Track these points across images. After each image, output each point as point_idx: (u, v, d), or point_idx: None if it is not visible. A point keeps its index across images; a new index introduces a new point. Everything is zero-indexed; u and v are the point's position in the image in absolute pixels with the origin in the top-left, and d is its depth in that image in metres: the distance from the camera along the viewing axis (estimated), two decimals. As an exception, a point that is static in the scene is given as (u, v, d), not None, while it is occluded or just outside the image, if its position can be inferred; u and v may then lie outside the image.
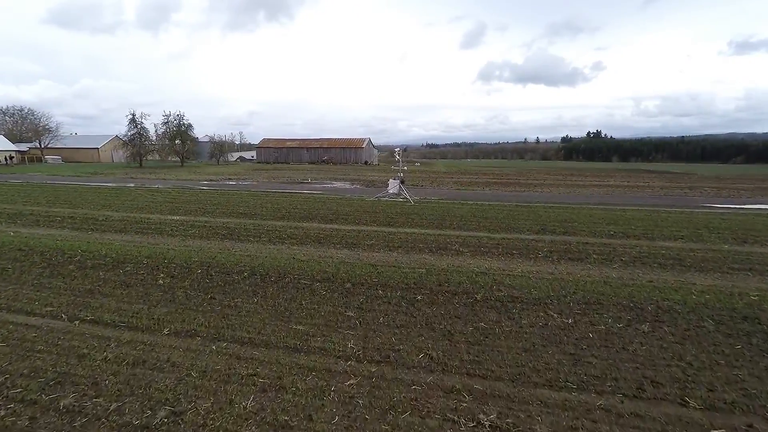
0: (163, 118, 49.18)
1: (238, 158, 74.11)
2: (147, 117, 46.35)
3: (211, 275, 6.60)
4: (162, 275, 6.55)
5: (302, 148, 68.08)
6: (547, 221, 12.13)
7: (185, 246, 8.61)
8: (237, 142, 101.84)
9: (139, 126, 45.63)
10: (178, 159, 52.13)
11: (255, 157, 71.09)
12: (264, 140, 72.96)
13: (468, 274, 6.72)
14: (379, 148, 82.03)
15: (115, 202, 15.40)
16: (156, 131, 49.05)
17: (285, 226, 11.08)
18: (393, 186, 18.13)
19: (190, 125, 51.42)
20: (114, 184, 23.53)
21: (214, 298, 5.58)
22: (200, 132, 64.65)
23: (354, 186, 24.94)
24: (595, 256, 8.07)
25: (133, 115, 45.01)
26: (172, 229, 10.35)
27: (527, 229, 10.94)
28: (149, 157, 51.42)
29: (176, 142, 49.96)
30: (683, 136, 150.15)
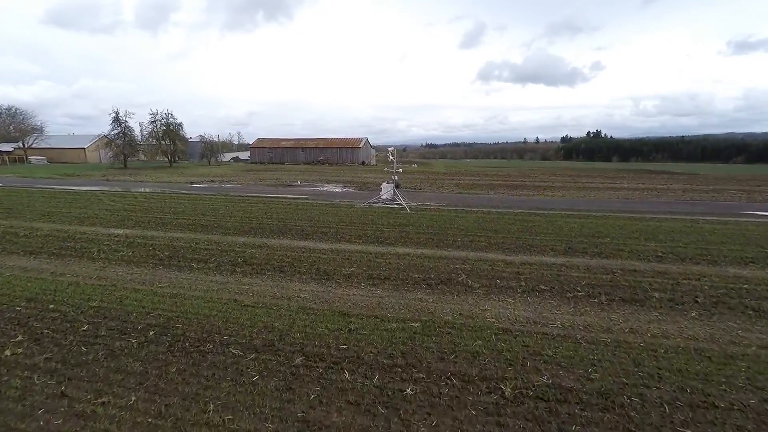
0: (150, 117, 46.98)
1: (231, 159, 71.69)
2: (132, 116, 44.17)
3: (98, 336, 4.36)
4: (19, 337, 4.31)
5: (297, 148, 65.70)
6: (572, 235, 9.90)
7: (98, 279, 6.35)
8: (235, 143, 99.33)
9: (123, 125, 43.33)
10: (167, 159, 49.80)
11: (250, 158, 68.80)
12: (258, 140, 70.51)
13: (484, 334, 4.48)
14: (379, 149, 79.62)
15: (62, 210, 13.15)
16: (142, 131, 46.78)
17: (247, 244, 8.84)
18: (386, 191, 15.84)
19: (179, 125, 49.24)
20: (81, 188, 21.23)
21: (67, 396, 3.34)
22: (199, 132, 62.54)
23: (345, 189, 22.67)
24: (656, 294, 5.83)
25: (117, 113, 42.73)
26: (99, 250, 8.10)
27: (551, 247, 8.71)
28: (136, 158, 49.09)
29: (163, 142, 47.64)
30: (683, 136, 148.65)
